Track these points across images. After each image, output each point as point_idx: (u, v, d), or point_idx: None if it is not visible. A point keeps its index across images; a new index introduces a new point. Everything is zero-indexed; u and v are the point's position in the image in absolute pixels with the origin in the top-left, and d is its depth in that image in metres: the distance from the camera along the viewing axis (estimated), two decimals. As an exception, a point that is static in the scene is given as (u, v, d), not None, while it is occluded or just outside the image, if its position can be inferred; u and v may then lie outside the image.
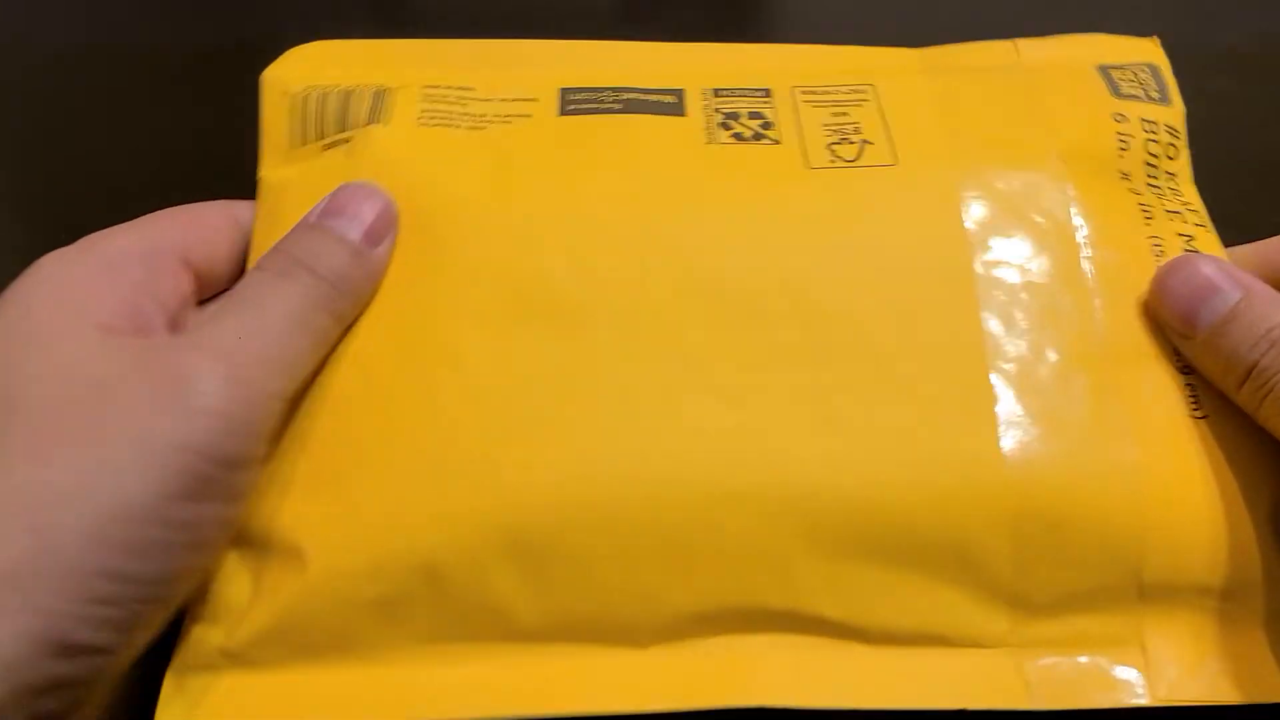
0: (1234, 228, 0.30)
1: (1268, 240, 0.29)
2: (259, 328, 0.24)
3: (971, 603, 0.25)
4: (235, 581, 0.25)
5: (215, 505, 0.23)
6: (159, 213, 0.28)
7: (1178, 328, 0.26)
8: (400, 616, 0.24)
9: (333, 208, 0.27)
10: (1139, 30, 0.32)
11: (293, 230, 0.27)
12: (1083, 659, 0.25)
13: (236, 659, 0.24)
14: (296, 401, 0.26)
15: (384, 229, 0.27)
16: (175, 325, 0.26)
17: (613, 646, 0.25)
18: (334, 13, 0.43)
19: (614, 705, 0.24)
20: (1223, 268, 0.26)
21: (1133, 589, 0.25)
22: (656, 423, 0.25)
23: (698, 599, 0.25)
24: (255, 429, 0.23)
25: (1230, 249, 0.29)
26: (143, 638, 0.23)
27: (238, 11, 0.41)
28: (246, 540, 0.25)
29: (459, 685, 0.24)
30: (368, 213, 0.27)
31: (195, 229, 0.28)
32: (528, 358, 0.26)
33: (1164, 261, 0.28)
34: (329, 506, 0.25)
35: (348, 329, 0.27)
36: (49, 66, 0.39)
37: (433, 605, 0.24)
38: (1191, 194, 0.30)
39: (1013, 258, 0.28)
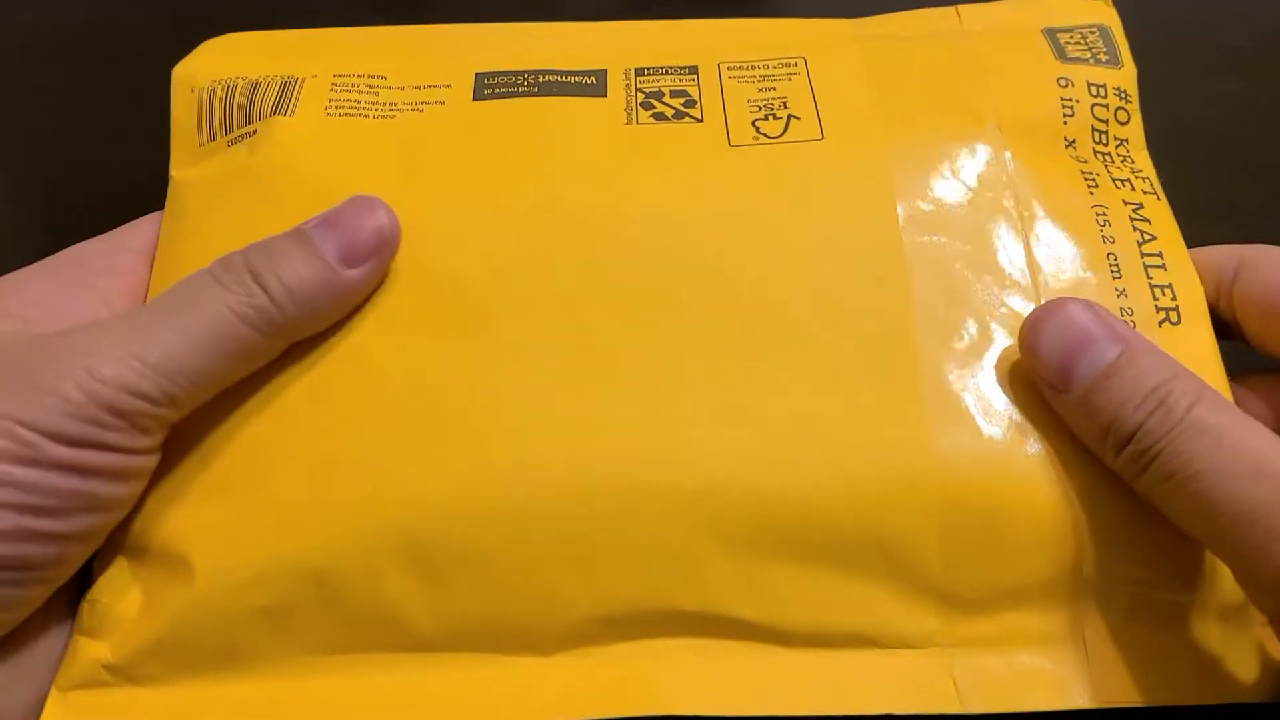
0: (1235, 228, 0.29)
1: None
2: (150, 329, 0.23)
3: (898, 601, 0.23)
4: (124, 593, 0.24)
5: (53, 473, 0.22)
6: (136, 221, 0.28)
7: (1050, 381, 0.23)
8: (290, 626, 0.23)
9: (327, 218, 0.25)
10: (1140, 31, 0.30)
11: (274, 235, 0.25)
12: (1020, 657, 0.23)
13: (122, 674, 0.23)
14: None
15: (370, 250, 0.25)
16: None
17: (514, 654, 0.23)
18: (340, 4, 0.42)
19: (515, 717, 0.23)
20: (1100, 316, 0.23)
21: (1072, 583, 0.23)
22: (556, 417, 0.24)
23: (603, 601, 0.23)
24: (94, 418, 0.22)
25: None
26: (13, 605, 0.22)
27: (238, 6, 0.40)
28: (134, 550, 0.24)
29: (351, 697, 0.23)
30: (357, 229, 0.25)
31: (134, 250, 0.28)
32: (427, 356, 0.25)
33: (1107, 230, 0.26)
34: (217, 514, 0.24)
35: (299, 344, 0.25)
36: (47, 53, 0.39)
37: (323, 614, 0.23)
38: (1143, 160, 0.29)
39: (946, 234, 0.26)
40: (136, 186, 0.29)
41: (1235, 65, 0.35)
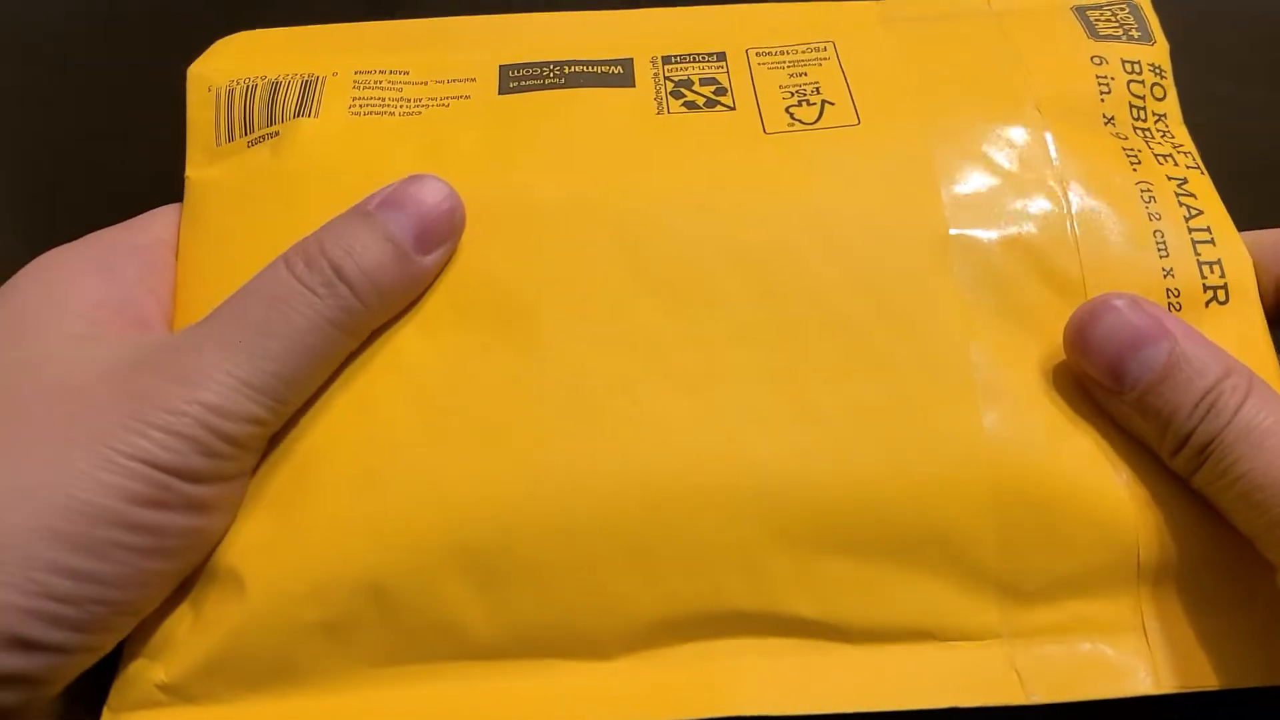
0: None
1: None
2: (248, 351, 0.22)
3: (957, 593, 0.23)
4: (174, 613, 0.24)
5: (178, 514, 0.22)
6: (158, 209, 0.28)
7: (1104, 382, 0.23)
8: (347, 640, 0.23)
9: (393, 199, 0.24)
10: None
11: (341, 216, 0.24)
12: (1082, 646, 0.23)
13: (176, 694, 0.23)
14: None
15: (442, 234, 0.24)
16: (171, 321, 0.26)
17: (576, 660, 0.23)
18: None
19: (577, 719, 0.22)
20: (1149, 311, 0.23)
21: (1131, 570, 0.23)
22: (610, 420, 0.24)
23: (664, 605, 0.23)
24: (222, 452, 0.22)
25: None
26: (103, 641, 0.22)
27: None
28: (185, 569, 0.24)
29: (413, 708, 0.23)
30: (429, 212, 0.24)
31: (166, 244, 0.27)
32: (473, 360, 0.24)
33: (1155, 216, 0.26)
34: (268, 529, 0.23)
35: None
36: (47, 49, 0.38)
37: (381, 626, 0.23)
38: (1183, 135, 0.28)
39: (990, 216, 0.26)
40: (135, 184, 0.29)
41: (1228, 67, 0.35)
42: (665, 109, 0.28)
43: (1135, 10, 0.29)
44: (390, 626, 0.23)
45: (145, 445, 0.21)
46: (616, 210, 0.26)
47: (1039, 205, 0.26)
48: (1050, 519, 0.23)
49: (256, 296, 0.23)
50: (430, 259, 0.24)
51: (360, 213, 0.24)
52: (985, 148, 0.27)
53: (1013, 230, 0.26)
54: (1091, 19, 0.29)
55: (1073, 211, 0.26)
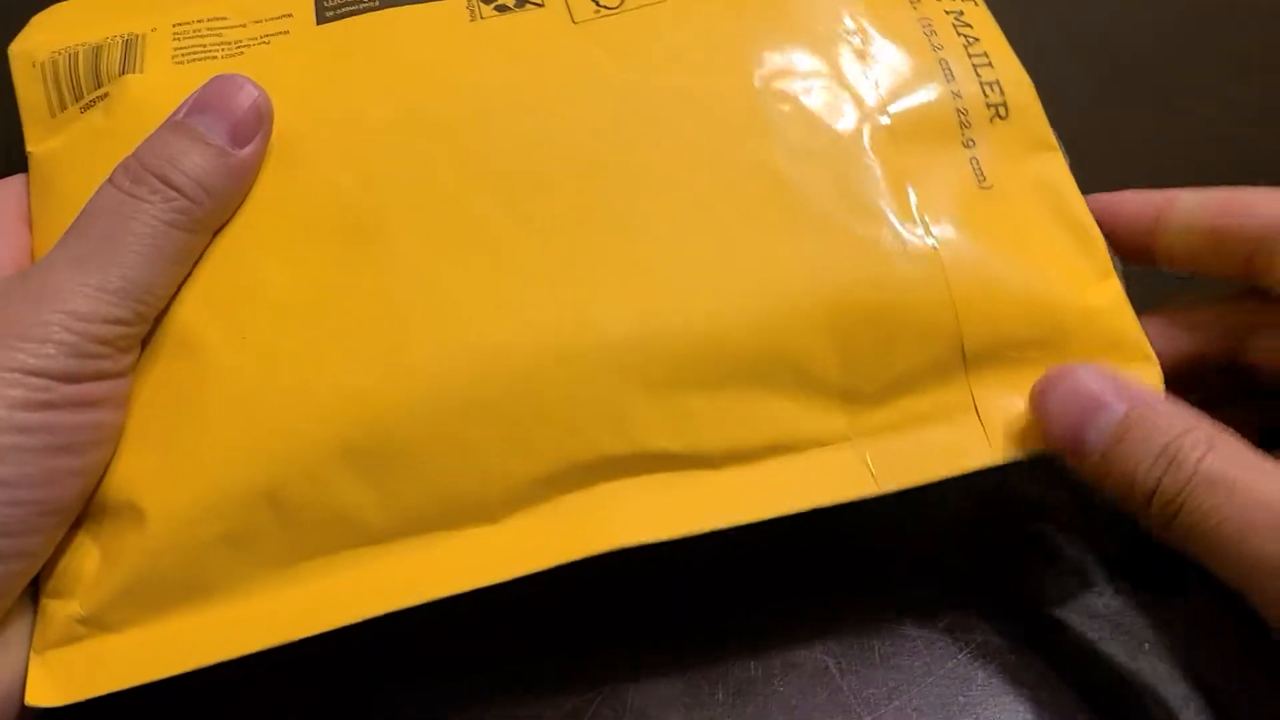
0: None
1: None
2: (97, 260, 0.24)
3: (806, 407, 0.25)
4: (81, 551, 0.25)
5: (66, 412, 0.23)
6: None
7: (1066, 449, 0.24)
8: (250, 548, 0.24)
9: (199, 103, 0.26)
10: (1142, 33, 0.31)
11: (155, 131, 0.26)
12: (923, 434, 0.25)
13: (95, 624, 0.24)
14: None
15: (253, 127, 0.26)
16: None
17: (465, 528, 0.25)
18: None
19: (476, 580, 0.24)
20: (1106, 376, 0.24)
21: (956, 359, 0.26)
22: (463, 309, 0.25)
23: (538, 463, 0.25)
24: (88, 351, 0.23)
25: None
26: (34, 544, 0.23)
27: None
28: (84, 510, 0.25)
29: (321, 599, 0.24)
30: (235, 108, 0.26)
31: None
32: (328, 275, 0.26)
33: (937, 48, 0.28)
34: (157, 460, 0.25)
35: (218, 232, 0.26)
36: None
37: (280, 529, 0.24)
38: None
39: (791, 65, 0.28)
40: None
41: (1233, 68, 0.37)
42: (478, 15, 0.29)
43: None
44: (288, 528, 0.24)
45: (19, 357, 0.22)
46: (444, 117, 0.27)
47: (835, 50, 0.28)
48: (881, 327, 0.25)
49: (93, 215, 0.25)
50: (248, 150, 0.26)
51: (171, 124, 0.26)
52: (780, 6, 0.28)
53: (816, 75, 0.27)
54: None
55: (866, 50, 0.28)
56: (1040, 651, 0.28)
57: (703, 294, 0.25)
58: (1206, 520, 0.22)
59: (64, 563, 0.25)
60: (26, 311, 0.23)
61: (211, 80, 0.26)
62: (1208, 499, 0.22)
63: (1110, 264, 0.27)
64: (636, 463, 0.25)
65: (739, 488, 0.25)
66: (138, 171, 0.25)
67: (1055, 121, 0.28)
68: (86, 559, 0.24)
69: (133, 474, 0.25)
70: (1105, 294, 0.26)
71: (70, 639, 0.24)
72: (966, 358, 0.26)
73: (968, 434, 0.25)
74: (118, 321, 0.24)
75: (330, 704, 0.28)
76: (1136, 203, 0.28)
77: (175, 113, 0.26)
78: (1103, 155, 0.33)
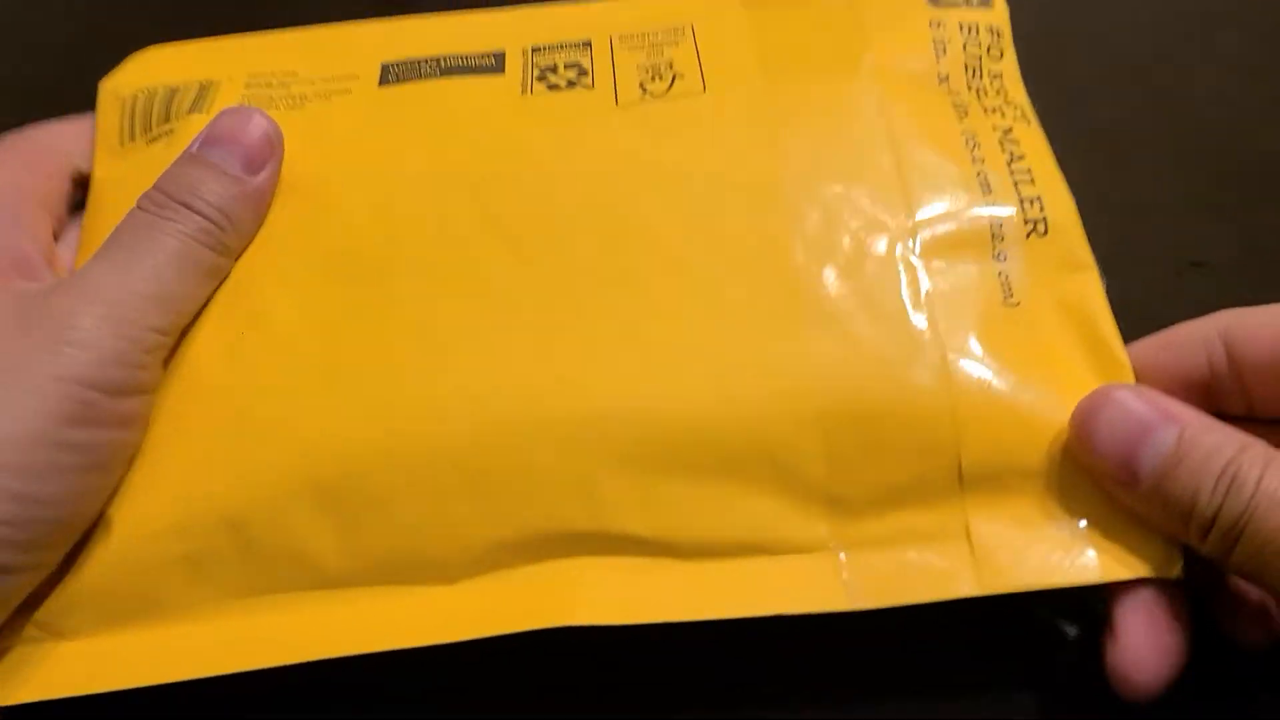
0: (1234, 227, 0.29)
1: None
2: (137, 267, 0.25)
3: (787, 509, 0.24)
4: None
5: (103, 429, 0.24)
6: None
7: (1117, 476, 0.23)
8: (208, 573, 0.24)
9: (211, 137, 0.27)
10: (1142, 35, 0.32)
11: (173, 164, 0.27)
12: (908, 554, 0.24)
13: (47, 629, 0.24)
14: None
15: (265, 155, 0.28)
16: (52, 264, 0.27)
17: (422, 585, 0.24)
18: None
19: (422, 638, 0.23)
20: (1148, 398, 0.23)
21: (952, 479, 0.24)
22: (454, 360, 0.25)
23: (504, 528, 0.24)
24: (133, 360, 0.24)
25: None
26: (48, 558, 0.24)
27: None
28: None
29: (268, 634, 0.24)
30: (246, 139, 0.27)
31: (40, 176, 0.29)
32: (332, 314, 0.26)
33: (983, 168, 0.27)
34: (134, 476, 0.25)
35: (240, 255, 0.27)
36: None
37: (239, 559, 0.24)
38: (1018, 92, 0.30)
39: (820, 163, 0.27)
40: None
41: (1228, 63, 0.37)
42: (529, 90, 0.30)
43: None
44: (247, 559, 0.24)
45: (66, 362, 0.23)
46: (474, 175, 0.28)
47: (868, 152, 0.27)
48: (875, 434, 0.24)
49: (126, 233, 0.26)
50: (261, 177, 0.27)
51: (187, 157, 0.27)
52: (821, 104, 0.28)
53: (843, 172, 0.27)
54: None
55: (900, 154, 0.27)
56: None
57: (697, 377, 0.25)
58: (1273, 542, 0.20)
59: None
60: (69, 311, 0.24)
61: (221, 114, 0.28)
62: (1272, 518, 0.20)
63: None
64: (602, 542, 0.24)
65: (703, 583, 0.24)
66: (162, 199, 0.26)
67: (1049, 119, 0.27)
68: None
69: None
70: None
71: (24, 640, 0.24)
72: (964, 478, 0.24)
73: (954, 559, 0.24)
74: (157, 329, 0.25)
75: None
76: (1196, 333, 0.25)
77: (190, 146, 0.27)
78: (1103, 155, 0.31)
